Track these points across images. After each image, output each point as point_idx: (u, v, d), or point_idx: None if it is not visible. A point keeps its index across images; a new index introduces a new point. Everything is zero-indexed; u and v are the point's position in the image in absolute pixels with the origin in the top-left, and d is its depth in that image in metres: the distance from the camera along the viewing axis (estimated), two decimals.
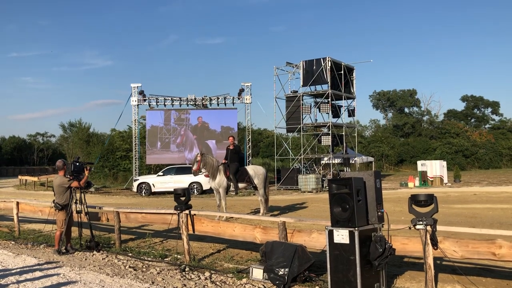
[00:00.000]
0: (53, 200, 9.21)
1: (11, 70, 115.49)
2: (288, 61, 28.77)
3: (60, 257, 8.63)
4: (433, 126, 68.05)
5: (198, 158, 13.05)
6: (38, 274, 7.29)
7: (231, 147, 13.70)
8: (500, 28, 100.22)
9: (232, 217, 11.75)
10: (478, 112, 72.63)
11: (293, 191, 25.54)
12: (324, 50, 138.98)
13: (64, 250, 9.02)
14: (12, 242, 10.44)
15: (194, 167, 13.15)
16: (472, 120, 72.14)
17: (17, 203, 11.83)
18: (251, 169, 14.13)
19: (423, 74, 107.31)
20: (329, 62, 26.45)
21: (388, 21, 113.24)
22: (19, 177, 39.01)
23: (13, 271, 7.51)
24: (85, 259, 8.46)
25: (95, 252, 8.98)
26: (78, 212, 9.27)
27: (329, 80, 26.49)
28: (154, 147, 30.72)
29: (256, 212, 14.74)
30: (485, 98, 71.52)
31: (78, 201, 9.26)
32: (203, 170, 13.33)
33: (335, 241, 5.51)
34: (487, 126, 70.25)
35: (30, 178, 35.88)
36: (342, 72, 27.57)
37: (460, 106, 73.70)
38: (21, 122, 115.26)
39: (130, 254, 8.80)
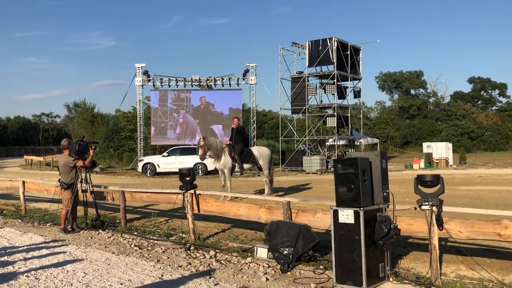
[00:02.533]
0: (59, 179, 9.26)
1: (16, 50, 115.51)
2: (293, 41, 28.50)
3: (66, 236, 8.72)
4: (439, 108, 67.54)
5: (202, 143, 12.98)
6: (44, 251, 7.37)
7: (235, 137, 13.58)
8: (508, 10, 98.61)
9: (237, 197, 11.78)
10: (485, 94, 71.94)
11: (298, 173, 25.56)
12: (330, 31, 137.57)
13: (70, 229, 9.11)
14: (19, 221, 10.55)
15: (200, 153, 13.08)
16: (479, 102, 71.50)
17: (23, 182, 11.90)
18: (256, 150, 14.12)
19: (430, 55, 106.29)
20: (335, 43, 26.15)
21: (395, 1, 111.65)
22: (25, 157, 39.25)
23: (20, 249, 7.60)
24: (91, 238, 8.54)
25: (100, 230, 9.06)
26: (84, 191, 9.33)
27: (335, 60, 26.23)
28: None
29: (260, 192, 14.77)
30: (493, 80, 70.80)
31: (83, 180, 9.31)
32: (208, 153, 13.25)
33: (340, 221, 5.50)
34: (494, 108, 69.63)
35: (35, 158, 36.11)
36: (348, 52, 27.27)
37: (467, 88, 73.11)
38: (26, 103, 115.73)
39: (136, 233, 8.87)
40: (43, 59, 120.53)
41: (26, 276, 5.95)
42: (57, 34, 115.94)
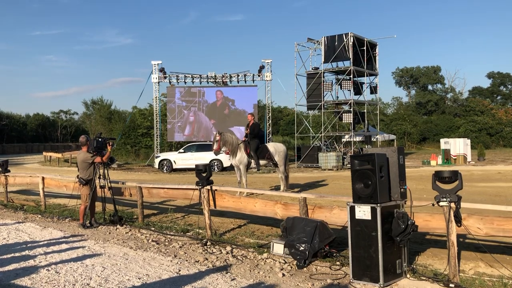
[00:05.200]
0: (77, 175, 9.39)
1: (35, 49, 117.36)
2: (309, 37, 28.34)
3: (85, 231, 8.84)
4: (457, 104, 66.61)
5: (217, 138, 13.06)
6: (64, 246, 7.49)
7: (248, 131, 13.65)
8: None
9: (253, 193, 11.80)
10: (504, 89, 70.69)
11: (314, 169, 25.48)
12: (346, 26, 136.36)
13: (89, 224, 9.23)
14: (39, 216, 10.73)
15: (215, 147, 13.18)
16: (498, 98, 70.31)
17: (43, 178, 12.09)
18: (272, 146, 14.13)
19: (448, 50, 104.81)
20: (352, 38, 25.94)
21: None
22: (44, 153, 39.91)
23: (40, 243, 7.74)
24: (109, 233, 8.65)
25: (118, 226, 9.16)
26: (102, 187, 9.44)
27: (351, 56, 26.03)
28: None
29: (276, 189, 14.78)
30: None
31: (101, 176, 9.42)
32: (223, 149, 13.35)
33: (356, 217, 5.47)
34: None
35: (54, 155, 36.68)
36: (365, 48, 27.04)
37: (485, 83, 72.10)
38: (44, 100, 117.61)
39: (153, 229, 8.96)
40: (61, 57, 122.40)
41: (46, 269, 6.06)
42: (75, 33, 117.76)
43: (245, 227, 9.09)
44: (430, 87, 71.09)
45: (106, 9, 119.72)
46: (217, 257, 6.65)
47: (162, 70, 29.93)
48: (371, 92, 30.02)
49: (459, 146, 26.79)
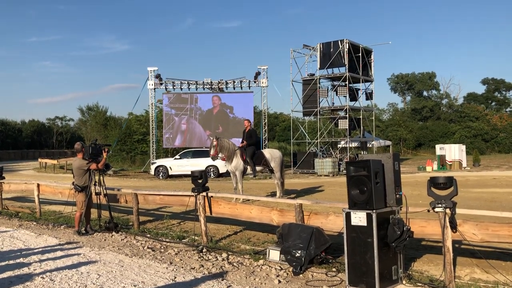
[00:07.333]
0: (73, 182, 9.36)
1: (31, 55, 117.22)
2: (305, 44, 28.43)
3: (80, 238, 8.80)
4: (452, 110, 66.90)
5: (215, 143, 13.10)
6: (59, 253, 7.45)
7: (245, 142, 13.65)
8: None
9: (248, 200, 11.78)
10: (499, 95, 71.12)
11: (310, 175, 25.49)
12: (341, 32, 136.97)
13: (84, 231, 9.19)
14: (34, 223, 10.68)
15: (212, 152, 13.22)
16: (493, 104, 70.70)
17: (38, 185, 12.04)
18: (268, 152, 14.15)
19: (443, 56, 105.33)
20: (347, 44, 26.07)
21: (406, 2, 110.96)
22: (39, 160, 39.68)
23: (35, 251, 7.69)
24: (104, 240, 8.61)
25: (114, 233, 9.13)
26: (97, 194, 9.41)
27: (346, 62, 26.15)
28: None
29: (272, 195, 14.77)
30: (507, 81, 70.00)
31: (97, 183, 9.39)
32: (220, 155, 13.37)
33: (352, 224, 5.48)
34: (508, 109, 68.81)
35: (49, 161, 36.54)
36: (360, 54, 27.17)
37: (480, 89, 72.42)
38: (40, 106, 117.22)
39: (148, 235, 8.93)
40: (57, 63, 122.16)
41: (41, 277, 6.02)
42: (71, 39, 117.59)
43: (241, 233, 9.07)
44: (425, 93, 71.49)
45: (103, 15, 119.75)
46: (213, 264, 6.63)
47: (158, 76, 29.90)
48: (367, 98, 30.16)
49: (454, 152, 26.90)
